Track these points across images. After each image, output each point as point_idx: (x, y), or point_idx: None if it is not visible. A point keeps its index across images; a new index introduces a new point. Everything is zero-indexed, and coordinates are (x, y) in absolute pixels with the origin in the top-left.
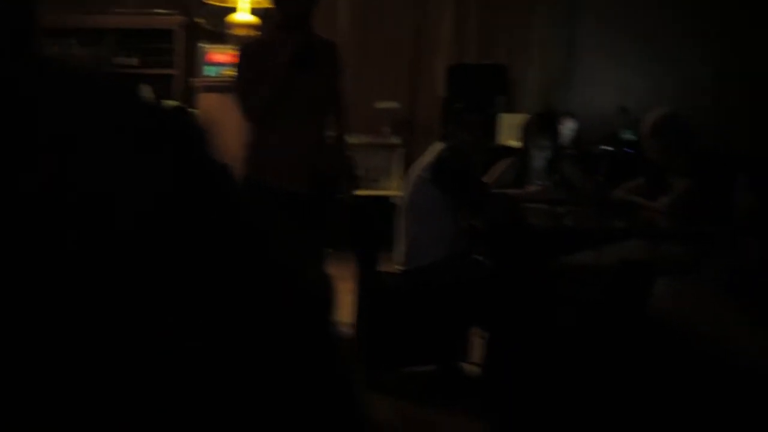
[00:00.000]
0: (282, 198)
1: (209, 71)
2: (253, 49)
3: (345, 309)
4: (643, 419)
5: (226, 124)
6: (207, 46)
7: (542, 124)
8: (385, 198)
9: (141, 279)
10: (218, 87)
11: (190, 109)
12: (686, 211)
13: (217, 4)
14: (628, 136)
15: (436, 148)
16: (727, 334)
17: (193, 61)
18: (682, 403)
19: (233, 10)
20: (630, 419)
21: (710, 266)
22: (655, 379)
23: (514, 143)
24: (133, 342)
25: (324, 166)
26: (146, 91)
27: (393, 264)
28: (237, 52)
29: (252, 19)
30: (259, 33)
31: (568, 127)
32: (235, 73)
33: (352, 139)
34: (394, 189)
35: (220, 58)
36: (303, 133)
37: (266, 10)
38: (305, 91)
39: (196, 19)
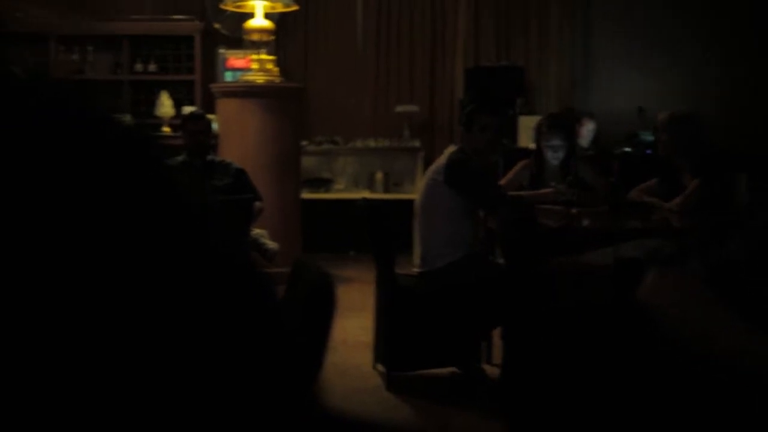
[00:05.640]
0: None
1: (228, 77)
2: None
3: (368, 311)
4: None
5: (245, 129)
6: (226, 51)
7: (553, 125)
8: (410, 201)
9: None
10: (237, 92)
11: (209, 115)
12: (695, 210)
13: (235, 10)
14: (647, 137)
15: (449, 150)
16: (703, 323)
17: (212, 67)
18: (669, 399)
19: (251, 15)
20: (631, 417)
21: (697, 259)
22: (645, 374)
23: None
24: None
25: None
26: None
27: (412, 266)
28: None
29: (268, 24)
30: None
31: (587, 128)
32: None
33: (373, 143)
34: (416, 192)
35: (239, 63)
36: None
37: (281, 15)
38: None
39: (215, 25)
